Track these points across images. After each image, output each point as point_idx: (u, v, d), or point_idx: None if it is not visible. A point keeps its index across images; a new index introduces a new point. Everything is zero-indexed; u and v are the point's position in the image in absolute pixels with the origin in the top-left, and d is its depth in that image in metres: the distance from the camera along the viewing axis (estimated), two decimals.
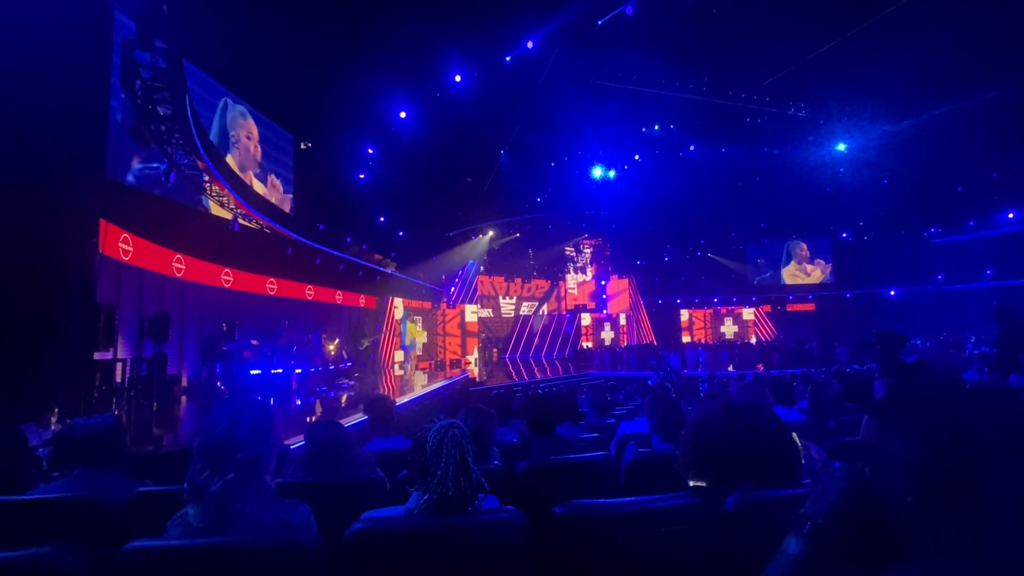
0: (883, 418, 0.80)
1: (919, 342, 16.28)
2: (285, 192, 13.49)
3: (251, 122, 12.13)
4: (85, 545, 1.20)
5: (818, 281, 23.85)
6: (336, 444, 2.20)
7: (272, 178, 12.78)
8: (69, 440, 2.01)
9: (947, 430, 0.70)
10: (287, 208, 13.24)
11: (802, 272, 23.99)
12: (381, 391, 11.28)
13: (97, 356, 6.28)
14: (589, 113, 16.64)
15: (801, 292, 23.88)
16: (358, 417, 6.96)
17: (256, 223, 11.33)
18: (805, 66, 14.17)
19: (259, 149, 12.36)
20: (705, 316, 24.56)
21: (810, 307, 23.68)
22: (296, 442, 5.03)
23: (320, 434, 2.24)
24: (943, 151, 16.41)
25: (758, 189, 20.65)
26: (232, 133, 11.44)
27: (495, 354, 20.17)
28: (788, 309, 23.87)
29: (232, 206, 10.45)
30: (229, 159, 11.00)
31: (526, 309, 22.95)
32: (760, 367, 15.46)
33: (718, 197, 20.74)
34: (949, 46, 12.03)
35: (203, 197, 10.21)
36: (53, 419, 4.75)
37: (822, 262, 23.85)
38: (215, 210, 10.81)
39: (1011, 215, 19.44)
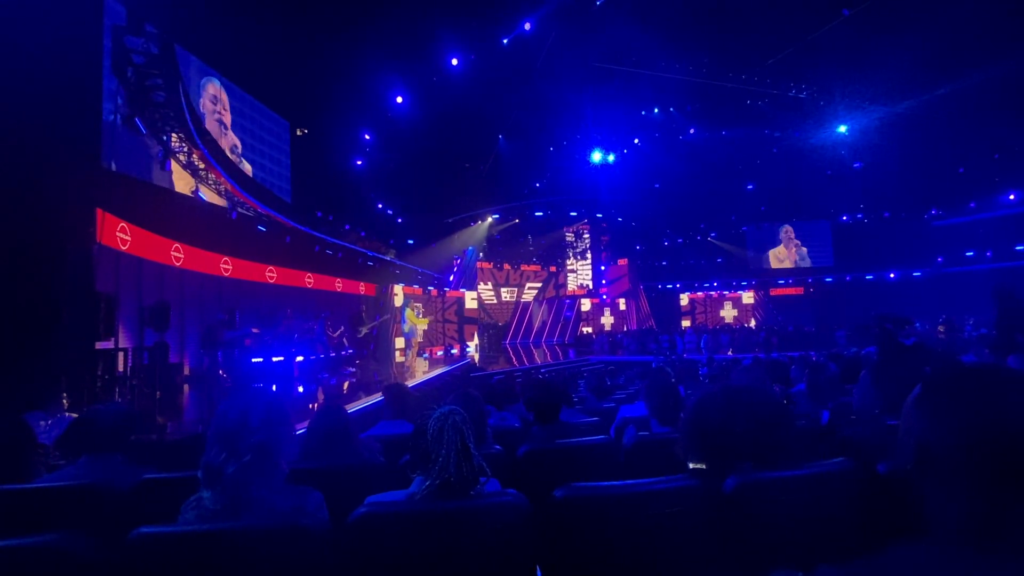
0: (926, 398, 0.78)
1: (919, 325, 16.32)
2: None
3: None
4: (93, 532, 1.21)
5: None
6: (335, 431, 2.23)
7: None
8: (88, 427, 2.03)
9: (988, 414, 0.69)
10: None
11: (786, 255, 24.01)
12: (380, 378, 11.35)
13: (99, 346, 6.30)
14: (588, 96, 16.45)
15: (801, 275, 23.90)
16: (360, 404, 7.01)
17: (253, 211, 11.27)
18: (806, 46, 13.98)
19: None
20: (704, 300, 24.62)
21: (798, 291, 23.73)
22: (302, 428, 5.08)
23: (319, 422, 2.26)
24: (944, 132, 16.28)
25: (758, 172, 20.52)
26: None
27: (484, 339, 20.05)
28: (772, 293, 23.91)
29: (229, 193, 10.39)
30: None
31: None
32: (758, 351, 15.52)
33: (718, 181, 20.61)
34: (951, 25, 11.85)
35: (198, 186, 10.14)
36: (64, 407, 4.80)
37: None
38: (210, 198, 10.73)
39: (1012, 196, 19.35)
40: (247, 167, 12.24)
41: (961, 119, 15.48)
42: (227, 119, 11.74)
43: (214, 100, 11.39)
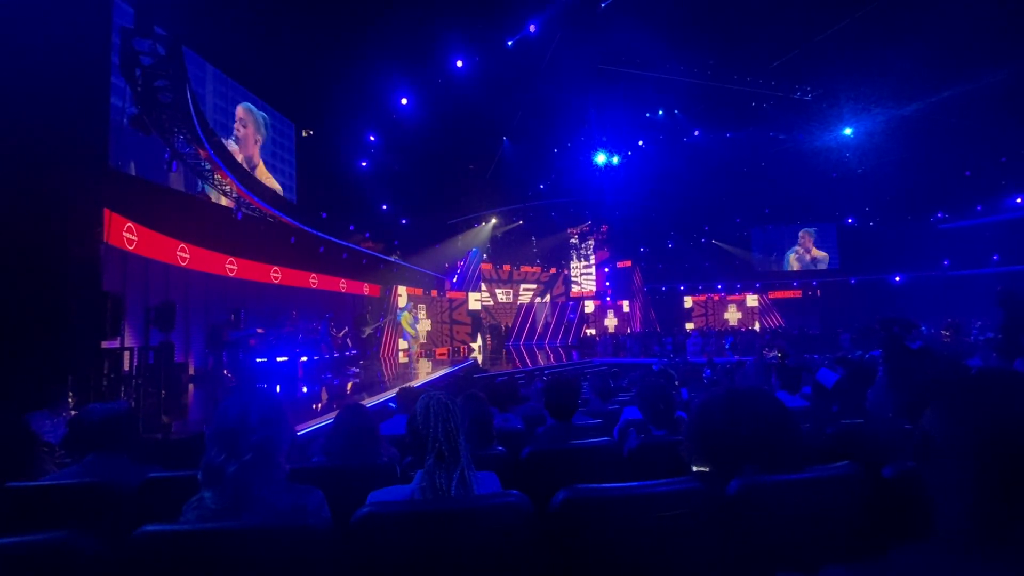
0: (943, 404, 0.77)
1: (925, 328, 16.22)
2: (282, 171, 13.31)
3: (245, 109, 11.92)
4: (98, 530, 1.22)
5: (823, 266, 23.81)
6: (361, 430, 2.26)
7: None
8: (83, 425, 2.05)
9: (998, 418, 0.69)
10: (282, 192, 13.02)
11: (806, 259, 23.94)
12: (384, 378, 11.37)
13: (105, 345, 6.33)
14: (592, 98, 16.44)
15: (805, 278, 23.79)
16: (364, 404, 7.01)
17: (259, 211, 11.33)
18: (812, 48, 13.93)
19: (261, 137, 12.20)
20: (708, 302, 24.55)
21: (796, 294, 23.68)
22: (303, 428, 5.10)
23: (346, 420, 2.28)
24: (951, 135, 16.19)
25: (763, 175, 20.46)
26: (235, 125, 11.32)
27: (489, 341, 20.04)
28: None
29: (234, 194, 10.45)
30: (230, 144, 10.90)
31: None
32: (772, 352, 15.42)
33: (722, 183, 20.58)
34: (958, 26, 11.79)
35: (204, 185, 10.20)
36: (70, 406, 4.83)
37: (824, 252, 23.82)
38: (216, 198, 10.79)
39: (1019, 199, 19.22)
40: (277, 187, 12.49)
41: (967, 122, 15.39)
42: (255, 139, 11.97)
43: (245, 125, 11.62)
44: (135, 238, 8.15)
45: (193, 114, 7.53)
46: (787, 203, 22.32)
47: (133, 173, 8.95)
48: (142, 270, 8.73)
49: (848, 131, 17.14)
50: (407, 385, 3.61)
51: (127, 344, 7.28)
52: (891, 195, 20.20)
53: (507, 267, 22.71)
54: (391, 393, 7.85)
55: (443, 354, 18.37)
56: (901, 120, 15.89)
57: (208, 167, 9.10)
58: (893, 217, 21.90)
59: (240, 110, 11.73)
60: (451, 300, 19.89)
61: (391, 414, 3.40)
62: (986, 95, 13.82)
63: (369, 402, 7.50)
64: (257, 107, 12.43)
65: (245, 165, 11.03)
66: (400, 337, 16.96)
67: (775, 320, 23.35)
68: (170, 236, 9.22)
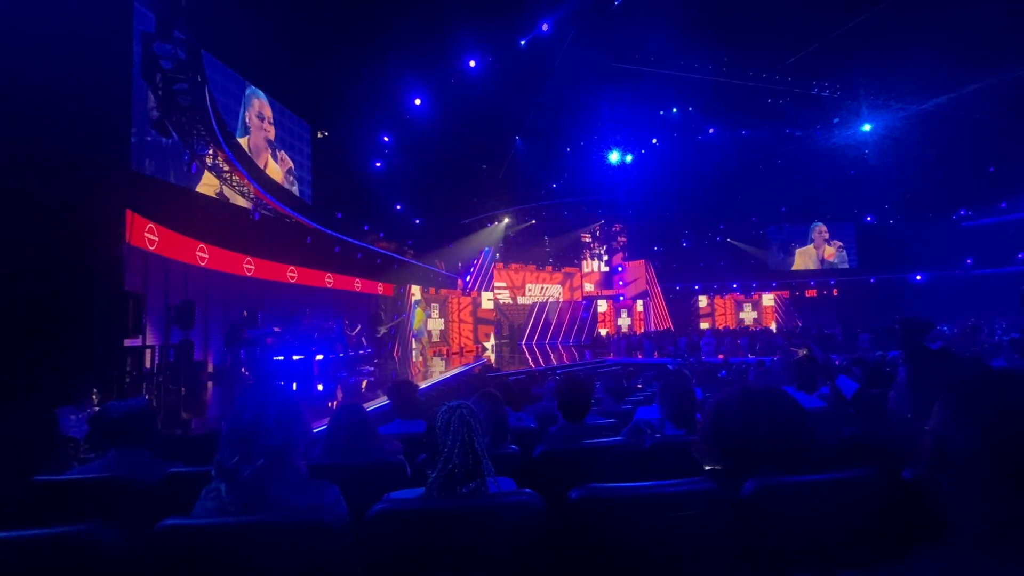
0: (954, 403, 0.76)
1: (946, 328, 15.85)
2: (298, 174, 13.50)
3: (263, 101, 12.09)
4: (121, 522, 1.25)
5: (817, 265, 23.42)
6: (358, 427, 2.25)
7: (281, 153, 12.75)
8: (104, 422, 2.10)
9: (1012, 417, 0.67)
10: (295, 189, 13.19)
11: (816, 255, 23.56)
12: (399, 377, 11.43)
13: (127, 343, 6.47)
14: (605, 97, 16.36)
15: (823, 277, 23.41)
16: (379, 402, 7.07)
17: (275, 212, 11.48)
18: (830, 44, 13.70)
19: (272, 128, 12.33)
20: (724, 302, 24.28)
21: (813, 293, 23.34)
22: (320, 426, 5.15)
23: (343, 418, 2.29)
24: (974, 130, 15.80)
25: (779, 173, 20.17)
26: (246, 114, 11.46)
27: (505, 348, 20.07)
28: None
29: (252, 195, 10.60)
30: (244, 141, 11.05)
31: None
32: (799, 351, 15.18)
33: (738, 181, 20.32)
34: (981, 19, 11.51)
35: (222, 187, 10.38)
36: (95, 402, 4.95)
37: (840, 243, 23.39)
38: (235, 199, 10.96)
39: None
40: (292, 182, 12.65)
41: (991, 117, 15.01)
42: (271, 134, 12.12)
43: (260, 116, 11.76)
44: (156, 238, 8.31)
45: (212, 117, 7.65)
46: (804, 201, 22.00)
47: (154, 175, 9.13)
48: (163, 270, 8.91)
49: (867, 127, 16.82)
50: (401, 379, 3.50)
51: (148, 342, 7.43)
52: (912, 192, 19.79)
53: (520, 266, 22.71)
54: None
55: (471, 351, 18.47)
56: (922, 115, 15.56)
57: (226, 169, 9.25)
58: (914, 215, 21.45)
59: (258, 102, 11.86)
60: (462, 300, 19.96)
61: (392, 416, 3.30)
62: (1010, 89, 13.47)
63: (384, 401, 7.54)
64: (272, 107, 12.60)
65: (253, 155, 11.18)
66: (412, 336, 17.02)
67: (792, 320, 23.02)
68: (190, 236, 9.39)
